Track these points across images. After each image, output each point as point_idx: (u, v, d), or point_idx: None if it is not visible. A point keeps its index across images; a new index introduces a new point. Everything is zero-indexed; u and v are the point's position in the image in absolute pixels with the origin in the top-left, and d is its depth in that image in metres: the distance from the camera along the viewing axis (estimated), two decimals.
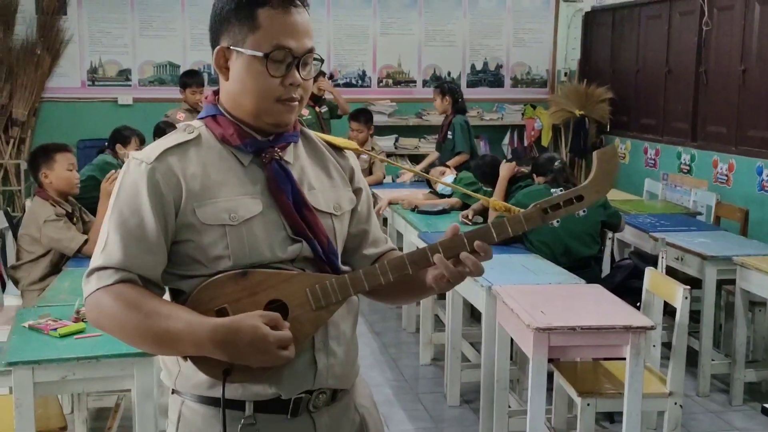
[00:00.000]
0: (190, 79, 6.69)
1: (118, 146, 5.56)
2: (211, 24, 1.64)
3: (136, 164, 1.57)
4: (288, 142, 1.65)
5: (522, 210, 1.61)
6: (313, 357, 1.61)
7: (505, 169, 4.76)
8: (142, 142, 5.68)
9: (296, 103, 1.61)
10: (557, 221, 1.58)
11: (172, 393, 1.66)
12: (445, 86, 6.77)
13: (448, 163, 6.22)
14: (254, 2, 1.56)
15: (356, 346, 1.74)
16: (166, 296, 1.62)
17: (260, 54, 1.55)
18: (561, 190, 1.63)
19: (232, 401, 1.55)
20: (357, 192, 1.78)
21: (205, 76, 7.69)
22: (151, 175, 1.54)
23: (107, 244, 1.54)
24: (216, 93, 1.68)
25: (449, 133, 6.59)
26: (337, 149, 1.78)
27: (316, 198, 1.66)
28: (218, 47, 1.60)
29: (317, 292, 1.56)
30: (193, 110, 6.63)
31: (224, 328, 1.46)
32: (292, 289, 1.55)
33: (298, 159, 1.68)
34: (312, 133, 1.76)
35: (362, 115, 6.64)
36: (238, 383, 1.55)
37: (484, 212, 4.91)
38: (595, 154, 1.59)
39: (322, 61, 1.68)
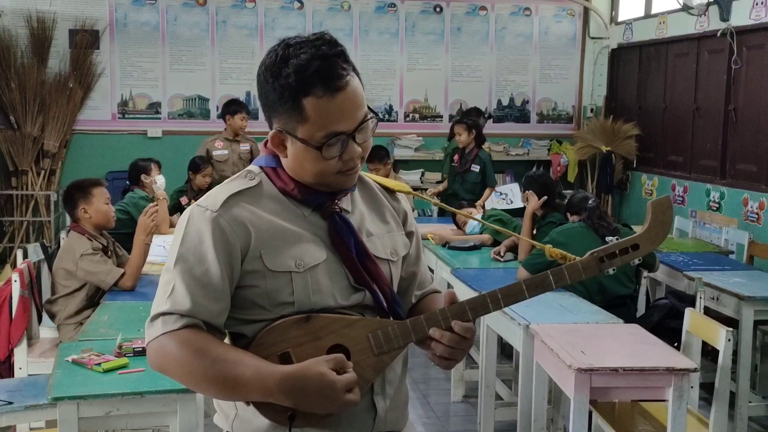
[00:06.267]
0: (240, 106, 6.93)
1: (143, 176, 5.68)
2: (259, 97, 1.60)
3: (201, 212, 1.56)
4: (346, 192, 1.66)
5: (579, 258, 1.62)
6: (372, 401, 1.62)
7: (533, 205, 4.77)
8: (160, 167, 5.84)
9: (357, 168, 1.60)
10: (613, 270, 1.60)
11: None
12: (470, 122, 6.91)
13: (478, 203, 6.35)
14: (297, 93, 1.51)
15: (407, 387, 1.75)
16: (226, 340, 1.62)
17: (313, 145, 1.53)
18: (615, 239, 1.66)
19: None
20: (409, 235, 1.78)
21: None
22: (216, 222, 1.54)
23: (174, 290, 1.53)
24: None
25: (474, 165, 6.77)
26: (390, 191, 1.79)
27: (374, 245, 1.66)
28: (273, 132, 1.58)
29: (379, 337, 1.57)
30: (232, 140, 6.77)
31: (293, 377, 1.46)
32: (355, 334, 1.56)
33: (355, 205, 1.68)
34: (366, 176, 1.77)
35: (375, 154, 6.52)
36: (300, 428, 1.55)
37: (515, 248, 4.90)
38: (649, 204, 1.60)
39: (377, 116, 1.62)
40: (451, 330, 1.57)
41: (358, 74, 1.57)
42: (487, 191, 6.76)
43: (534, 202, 4.76)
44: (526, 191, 4.82)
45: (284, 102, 1.52)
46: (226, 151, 6.77)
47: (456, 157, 7.02)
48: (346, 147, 1.55)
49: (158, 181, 5.72)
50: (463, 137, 6.86)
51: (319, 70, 1.50)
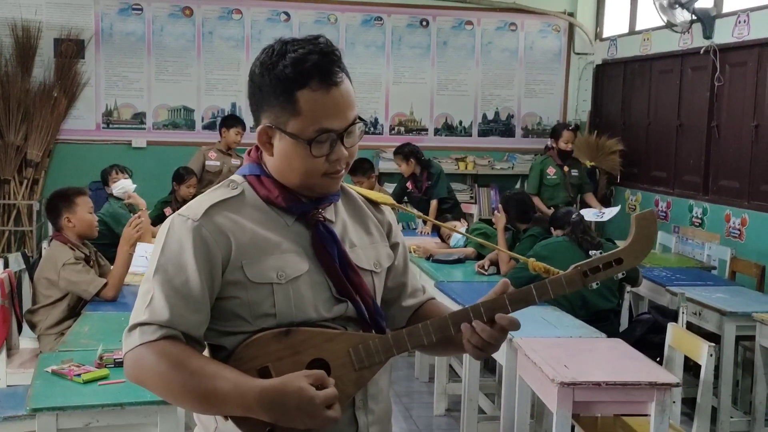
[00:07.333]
0: (236, 122, 7.12)
1: (111, 178, 5.76)
2: (250, 96, 1.61)
3: (182, 221, 1.55)
4: (330, 202, 1.65)
5: (562, 272, 1.61)
6: (353, 416, 1.61)
7: (502, 221, 4.95)
8: (130, 175, 5.88)
9: (342, 172, 1.60)
10: (596, 284, 1.57)
11: None
12: (405, 150, 6.91)
13: (428, 216, 6.39)
14: (293, 84, 1.51)
15: (390, 401, 1.74)
16: (205, 352, 1.60)
17: (303, 139, 1.53)
18: (599, 253, 1.64)
19: None
20: (394, 247, 1.78)
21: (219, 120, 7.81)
22: (198, 232, 1.52)
23: (153, 300, 1.51)
24: (258, 149, 1.65)
25: (429, 182, 6.81)
26: (374, 204, 1.78)
27: (357, 256, 1.65)
28: (261, 127, 1.57)
29: (360, 352, 1.55)
30: (225, 153, 6.92)
31: (272, 391, 1.44)
32: (335, 348, 1.54)
33: (338, 216, 1.68)
34: (350, 188, 1.77)
35: (359, 167, 6.53)
36: None
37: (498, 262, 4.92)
38: (633, 218, 1.59)
39: (365, 123, 1.65)
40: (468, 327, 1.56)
41: (350, 81, 1.59)
42: (432, 203, 6.74)
43: (503, 218, 4.95)
44: (497, 209, 5.07)
45: (278, 94, 1.53)
46: (218, 163, 6.98)
47: (410, 184, 7.00)
48: (335, 148, 1.55)
49: (120, 184, 5.63)
50: (403, 167, 6.92)
51: (316, 64, 1.52)
